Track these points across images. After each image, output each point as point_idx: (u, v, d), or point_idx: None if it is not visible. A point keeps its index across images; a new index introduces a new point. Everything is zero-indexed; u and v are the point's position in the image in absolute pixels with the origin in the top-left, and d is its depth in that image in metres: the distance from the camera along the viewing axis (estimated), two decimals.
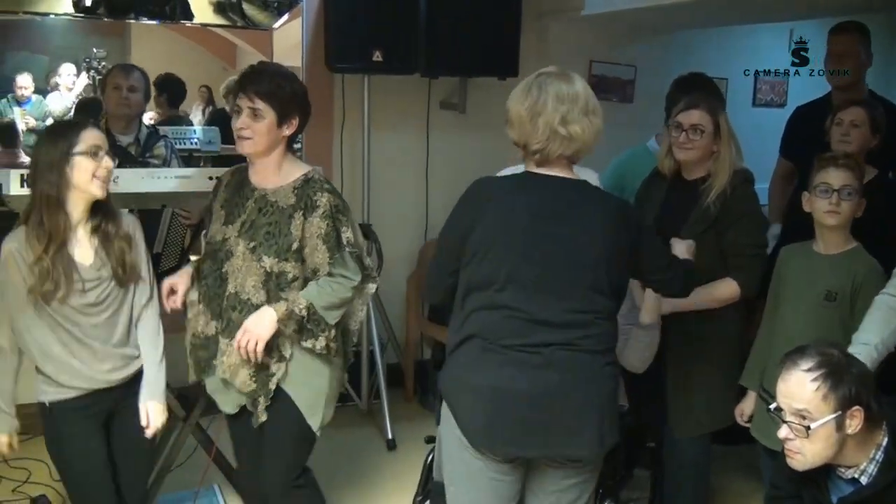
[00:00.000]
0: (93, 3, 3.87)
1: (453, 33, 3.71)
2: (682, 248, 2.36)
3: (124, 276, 2.25)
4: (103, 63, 5.36)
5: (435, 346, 4.18)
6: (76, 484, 2.33)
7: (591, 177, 2.95)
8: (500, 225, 1.95)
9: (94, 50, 5.23)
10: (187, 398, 2.80)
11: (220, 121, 5.15)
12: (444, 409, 2.03)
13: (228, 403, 2.39)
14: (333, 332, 2.31)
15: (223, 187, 2.42)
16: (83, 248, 2.21)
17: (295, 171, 2.32)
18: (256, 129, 2.23)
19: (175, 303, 2.37)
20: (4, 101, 5.45)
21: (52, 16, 4.24)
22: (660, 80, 4.53)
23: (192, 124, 5.14)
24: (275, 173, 2.31)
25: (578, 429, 1.92)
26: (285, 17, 3.95)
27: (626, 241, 1.99)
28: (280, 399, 2.32)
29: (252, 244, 2.25)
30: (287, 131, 2.28)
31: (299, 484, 2.41)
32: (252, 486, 2.55)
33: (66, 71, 5.82)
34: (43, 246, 2.11)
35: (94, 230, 2.22)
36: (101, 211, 2.23)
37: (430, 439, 2.56)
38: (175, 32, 4.66)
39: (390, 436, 3.68)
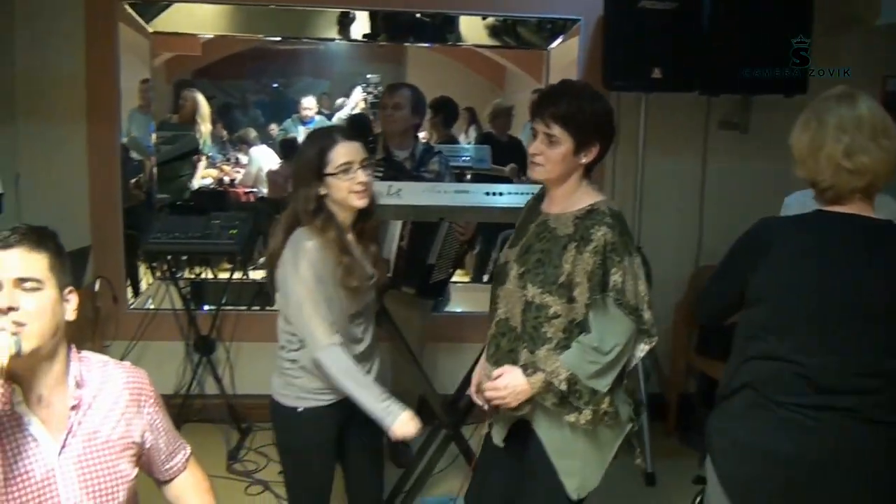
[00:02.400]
0: (373, 29, 4.09)
1: (737, 48, 3.49)
2: None
3: (378, 277, 2.31)
4: (379, 87, 5.75)
5: (702, 380, 3.94)
6: (308, 489, 2.33)
7: (890, 204, 2.63)
8: (783, 270, 1.77)
9: (369, 76, 5.64)
10: (454, 406, 2.85)
11: (486, 142, 5.27)
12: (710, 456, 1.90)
13: (498, 434, 2.22)
14: (607, 400, 2.01)
15: (524, 211, 2.27)
16: (356, 251, 2.27)
17: (585, 199, 2.08)
18: (550, 156, 2.03)
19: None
20: (289, 120, 6.02)
21: (335, 41, 4.55)
22: None
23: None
24: (564, 199, 2.10)
25: None
26: (560, 38, 3.96)
27: None
28: (533, 447, 2.09)
29: (522, 269, 2.07)
30: (584, 159, 2.05)
31: None
32: None
33: (356, 95, 6.38)
34: (338, 246, 2.17)
35: (358, 233, 2.28)
36: (361, 212, 2.27)
37: (699, 480, 2.38)
38: (447, 57, 4.86)
39: (650, 470, 3.51)
